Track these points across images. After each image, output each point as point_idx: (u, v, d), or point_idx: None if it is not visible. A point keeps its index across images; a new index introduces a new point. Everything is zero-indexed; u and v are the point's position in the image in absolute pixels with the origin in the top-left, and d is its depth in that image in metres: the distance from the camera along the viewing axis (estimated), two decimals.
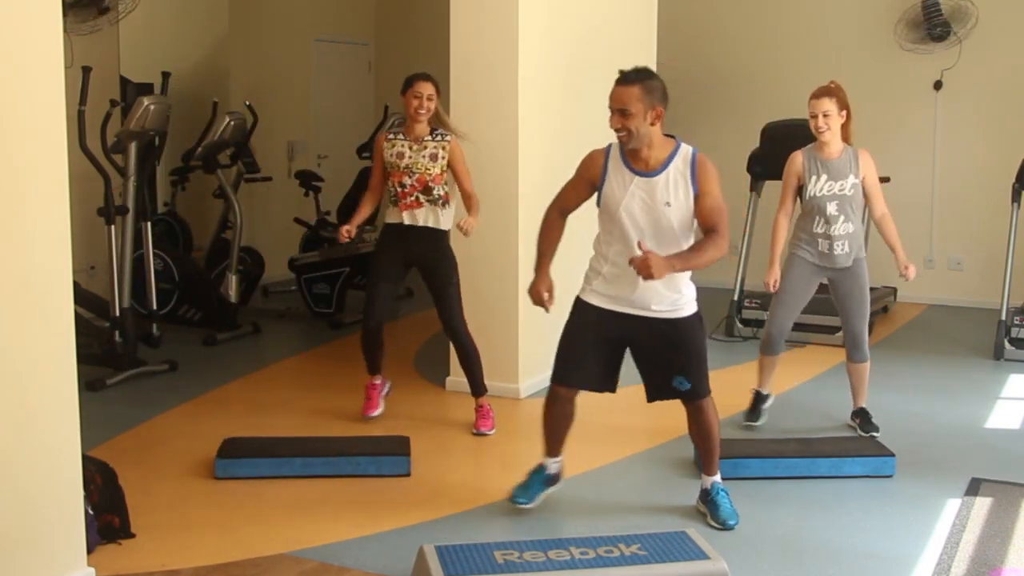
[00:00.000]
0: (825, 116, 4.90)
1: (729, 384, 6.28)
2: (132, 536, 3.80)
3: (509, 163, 5.69)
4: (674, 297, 3.85)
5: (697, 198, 3.76)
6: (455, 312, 5.14)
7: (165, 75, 6.88)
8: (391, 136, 5.10)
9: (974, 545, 3.80)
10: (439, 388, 5.97)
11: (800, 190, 5.04)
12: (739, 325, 7.40)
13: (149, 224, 6.56)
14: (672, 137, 3.83)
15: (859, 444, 4.69)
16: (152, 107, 6.31)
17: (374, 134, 8.95)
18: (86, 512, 3.45)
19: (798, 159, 5.03)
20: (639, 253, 3.62)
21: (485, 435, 5.12)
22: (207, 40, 9.42)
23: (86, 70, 5.83)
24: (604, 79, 6.58)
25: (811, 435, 5.04)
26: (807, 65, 9.01)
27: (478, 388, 5.24)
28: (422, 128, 5.04)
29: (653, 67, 7.20)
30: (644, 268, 3.57)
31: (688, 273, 3.84)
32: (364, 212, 5.20)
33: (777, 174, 7.74)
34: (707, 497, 4.09)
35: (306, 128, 9.85)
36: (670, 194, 3.75)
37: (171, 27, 8.74)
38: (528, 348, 5.77)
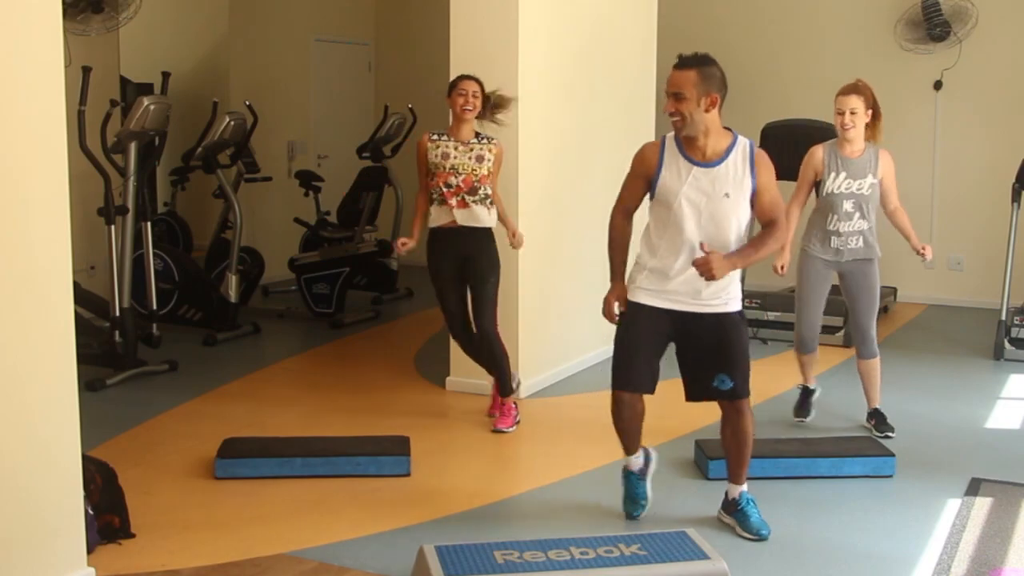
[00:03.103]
0: (852, 113, 4.94)
1: None
2: (132, 536, 3.80)
3: (509, 164, 5.68)
4: (724, 290, 3.80)
5: (756, 192, 3.75)
6: (486, 311, 5.11)
7: (165, 75, 6.88)
8: (435, 137, 5.10)
9: (974, 545, 3.80)
10: (439, 388, 5.96)
11: (817, 185, 5.04)
12: None
13: (149, 224, 6.55)
14: (729, 129, 3.81)
15: (859, 444, 4.69)
16: (152, 107, 6.31)
17: (374, 134, 8.97)
18: (86, 512, 3.45)
19: (818, 154, 5.05)
20: (700, 253, 3.62)
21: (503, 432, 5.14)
22: (207, 40, 9.44)
23: (86, 70, 5.83)
24: (605, 81, 6.61)
25: (811, 435, 5.04)
26: (807, 65, 9.02)
27: (504, 388, 5.22)
28: (468, 131, 5.09)
29: (653, 68, 7.28)
30: (706, 269, 3.58)
31: (737, 271, 3.79)
32: (421, 220, 5.19)
33: (777, 174, 7.79)
34: (735, 508, 3.96)
35: (306, 128, 9.85)
36: (729, 185, 3.71)
37: (171, 27, 8.75)
38: (528, 349, 5.77)
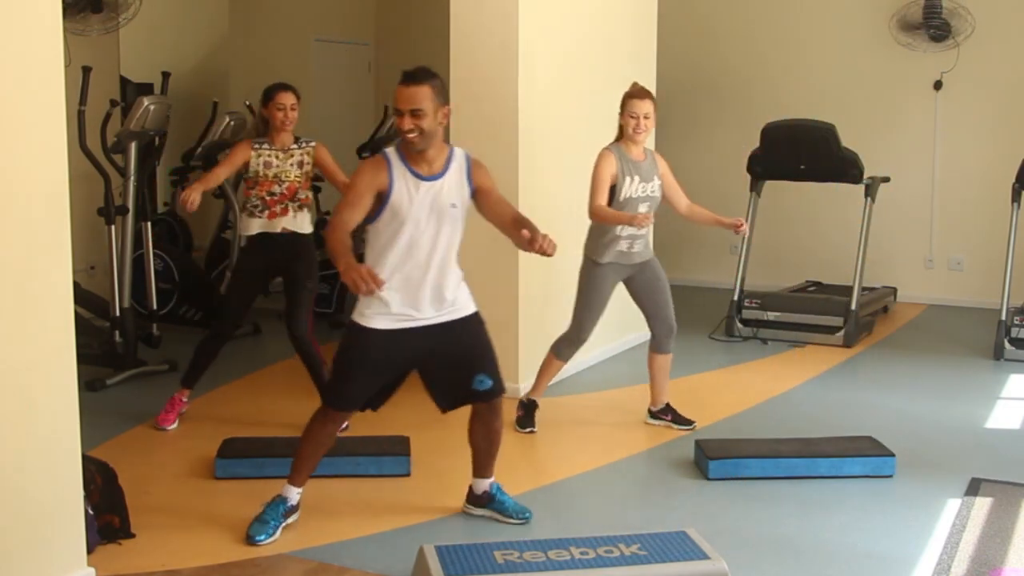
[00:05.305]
0: (646, 118, 4.88)
1: (731, 384, 6.29)
2: (132, 536, 3.80)
3: (510, 164, 5.69)
4: (457, 298, 3.78)
5: (478, 193, 3.76)
6: (302, 315, 5.18)
7: (165, 75, 6.88)
8: (256, 146, 5.08)
9: (974, 545, 3.80)
10: None
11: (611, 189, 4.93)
12: (739, 325, 7.40)
13: (149, 224, 6.56)
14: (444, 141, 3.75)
15: (859, 444, 4.69)
16: (152, 107, 6.31)
17: (374, 134, 8.97)
18: (86, 512, 3.45)
19: (613, 158, 4.90)
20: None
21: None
22: (207, 40, 9.43)
23: (86, 70, 5.83)
24: (604, 81, 6.61)
25: (811, 435, 5.03)
26: (806, 66, 9.02)
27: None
28: (287, 137, 5.12)
29: (653, 68, 7.27)
30: (551, 246, 3.63)
31: (461, 278, 3.81)
32: (215, 181, 5.16)
33: (777, 174, 7.82)
34: (491, 499, 4.05)
35: (306, 128, 9.79)
36: (455, 195, 3.70)
37: (171, 27, 8.73)
38: (528, 348, 5.76)
